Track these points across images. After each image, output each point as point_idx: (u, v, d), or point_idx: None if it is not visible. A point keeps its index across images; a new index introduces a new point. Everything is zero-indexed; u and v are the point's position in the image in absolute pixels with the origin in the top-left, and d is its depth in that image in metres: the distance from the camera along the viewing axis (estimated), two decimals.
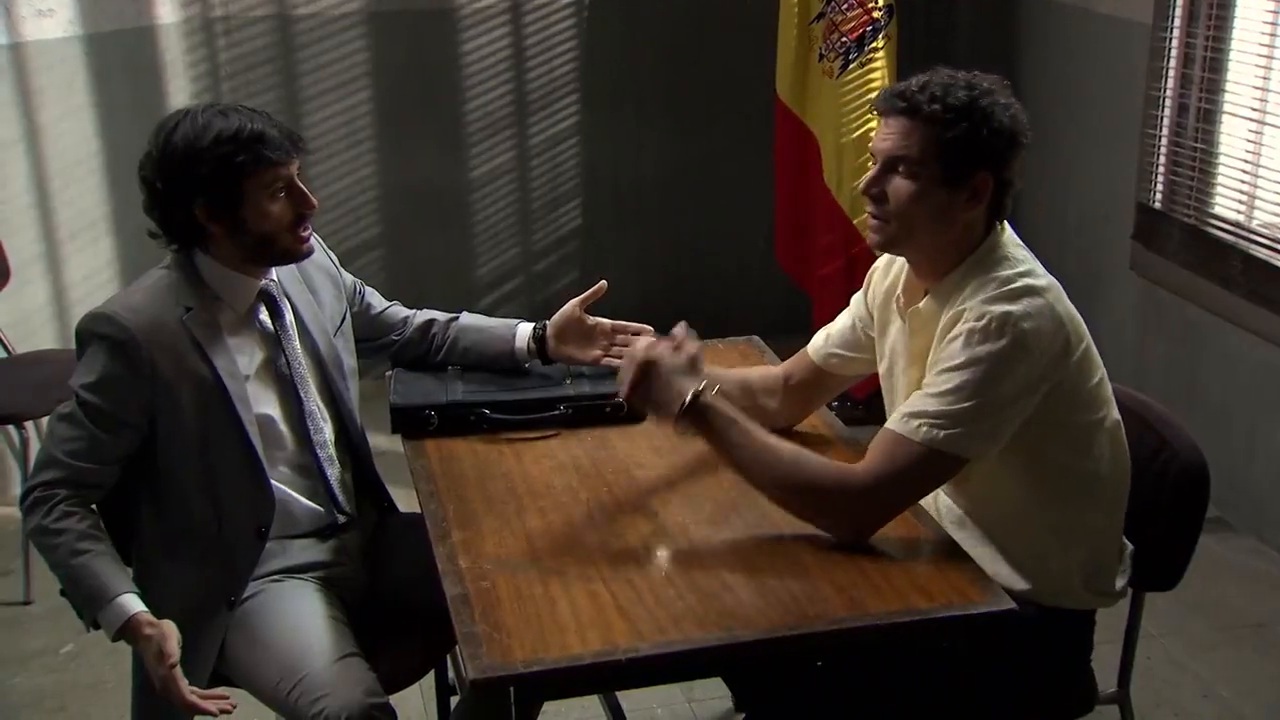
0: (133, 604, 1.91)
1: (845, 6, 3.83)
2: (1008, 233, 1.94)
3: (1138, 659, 2.19)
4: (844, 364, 2.17)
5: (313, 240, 2.11)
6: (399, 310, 2.40)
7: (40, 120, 3.74)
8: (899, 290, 2.02)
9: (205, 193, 1.97)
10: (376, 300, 2.38)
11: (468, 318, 2.39)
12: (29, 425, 3.38)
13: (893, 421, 1.85)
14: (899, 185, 1.87)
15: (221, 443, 2.01)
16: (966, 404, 1.79)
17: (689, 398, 1.86)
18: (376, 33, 4.39)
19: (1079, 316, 1.91)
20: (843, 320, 2.19)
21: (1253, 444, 3.42)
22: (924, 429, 1.80)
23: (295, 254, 2.07)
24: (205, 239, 2.03)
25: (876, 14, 3.82)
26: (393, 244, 4.60)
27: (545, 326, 2.34)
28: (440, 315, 2.39)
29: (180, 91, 4.17)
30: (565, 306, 2.33)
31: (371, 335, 2.35)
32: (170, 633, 1.89)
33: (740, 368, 2.25)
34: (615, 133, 4.65)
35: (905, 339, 2.00)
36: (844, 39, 3.84)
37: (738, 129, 4.61)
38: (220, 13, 4.23)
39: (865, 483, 1.81)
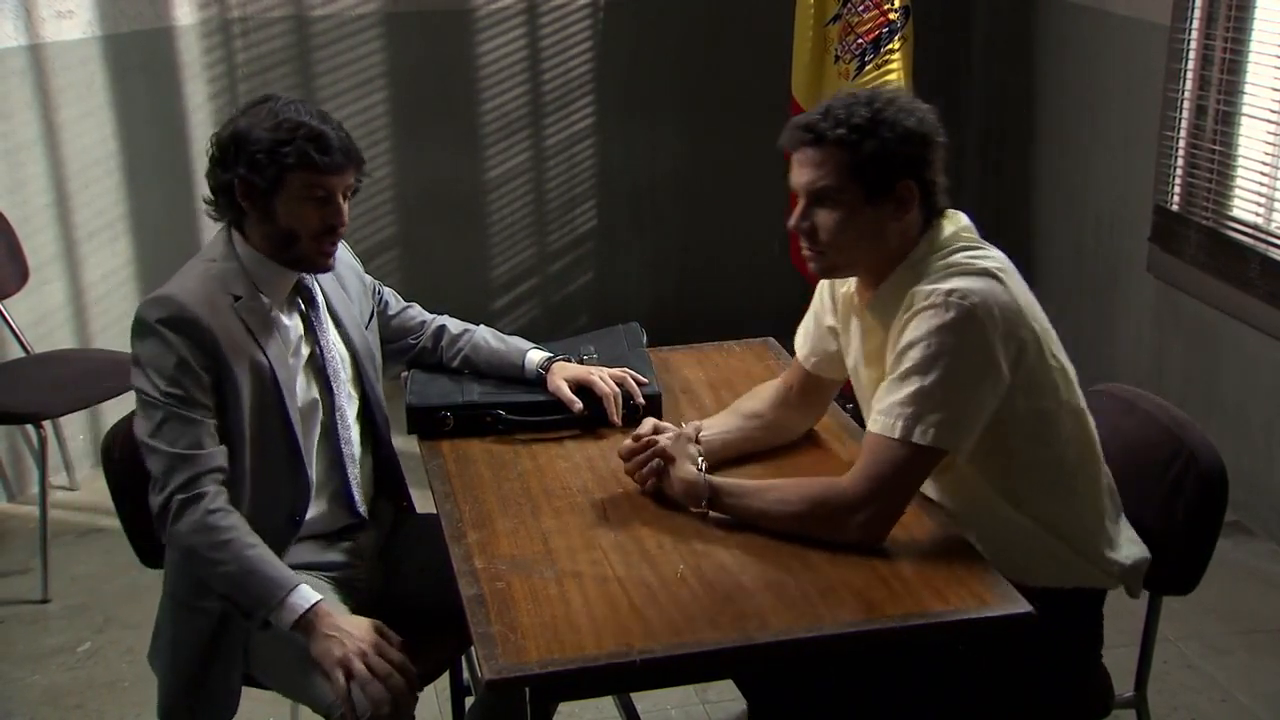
0: (312, 592, 1.91)
1: (861, 8, 3.82)
2: (954, 224, 1.95)
3: (1155, 663, 2.18)
4: (826, 363, 2.16)
5: (336, 258, 2.11)
6: (416, 313, 2.41)
7: (59, 120, 3.76)
8: (853, 291, 2.04)
9: (248, 169, 1.98)
10: (394, 301, 2.40)
11: (481, 336, 2.38)
12: (47, 425, 3.40)
13: (871, 423, 1.87)
14: (825, 216, 1.90)
15: (270, 429, 2.02)
16: (927, 381, 1.80)
17: (706, 496, 1.93)
18: (393, 34, 4.40)
19: (1032, 296, 1.92)
20: (809, 322, 2.19)
21: (1271, 447, 3.41)
22: (899, 423, 1.81)
23: (313, 264, 2.07)
24: (241, 218, 2.04)
25: (893, 15, 3.81)
26: (409, 244, 4.61)
27: (549, 364, 2.30)
28: (453, 326, 2.39)
29: (198, 93, 4.19)
30: (588, 378, 2.26)
31: (389, 338, 2.36)
32: (363, 624, 1.91)
33: (737, 401, 2.23)
34: (631, 134, 4.66)
35: (861, 339, 2.02)
36: (860, 41, 3.84)
37: (753, 131, 4.58)
38: (238, 14, 4.25)
39: (859, 491, 1.83)
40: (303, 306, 2.11)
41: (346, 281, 2.23)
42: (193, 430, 1.94)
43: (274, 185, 1.99)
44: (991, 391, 1.84)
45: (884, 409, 1.84)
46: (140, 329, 1.97)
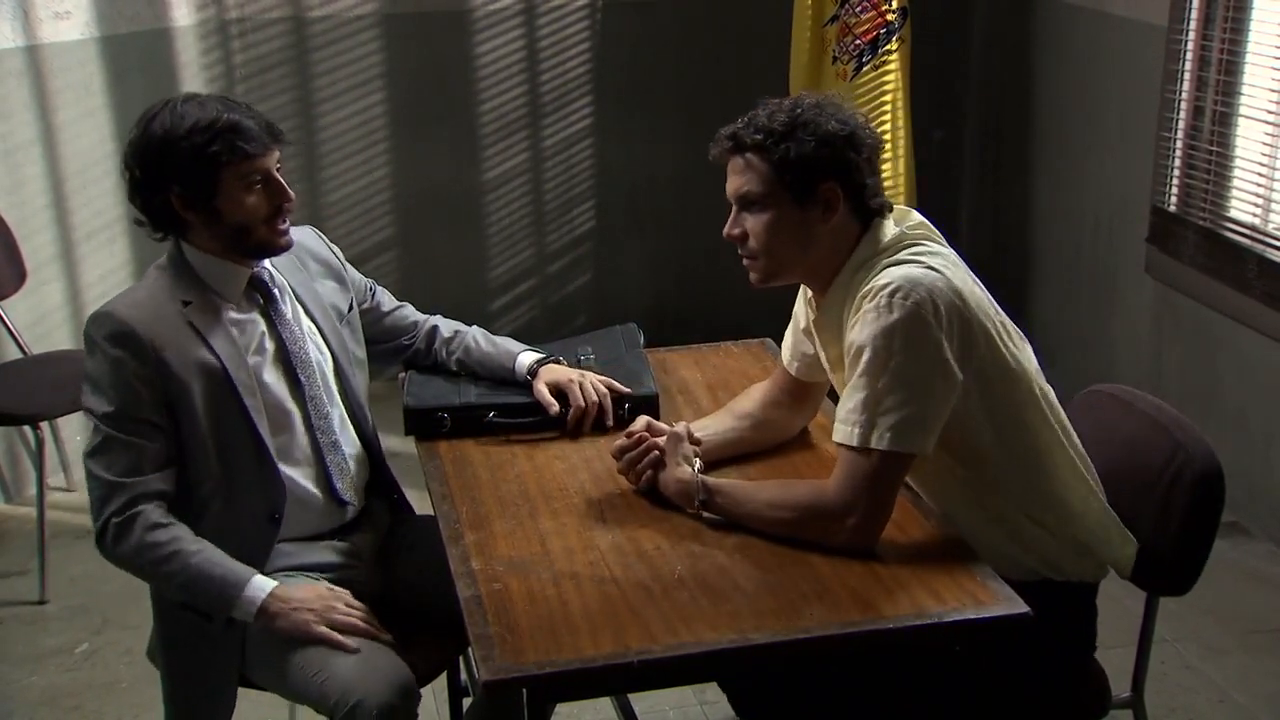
0: (266, 581, 1.97)
1: (859, 9, 3.83)
2: (901, 222, 1.95)
3: (1151, 664, 2.18)
4: (806, 368, 2.16)
5: (293, 234, 2.10)
6: (409, 314, 2.40)
7: (57, 121, 3.76)
8: (810, 300, 2.05)
9: (180, 182, 1.98)
10: (387, 301, 2.39)
11: (472, 338, 2.37)
12: (44, 425, 3.40)
13: (834, 431, 1.87)
14: (754, 222, 1.93)
15: (232, 430, 2.02)
16: (878, 385, 1.80)
17: (700, 496, 1.93)
18: (391, 35, 4.40)
19: (982, 289, 1.92)
20: (791, 327, 2.19)
21: (1269, 448, 3.41)
22: (855, 430, 1.82)
23: (272, 247, 2.06)
24: (185, 228, 2.03)
25: (890, 16, 3.82)
26: (407, 245, 4.61)
27: (538, 366, 2.29)
28: (445, 328, 2.39)
29: None
30: (569, 386, 2.25)
31: (382, 338, 2.36)
32: (316, 586, 2.01)
33: (731, 402, 2.24)
34: (629, 134, 4.66)
35: (823, 347, 2.03)
36: (857, 41, 3.84)
37: None
38: (235, 15, 4.25)
39: (840, 499, 1.84)
40: (261, 301, 2.10)
41: (316, 273, 2.22)
42: (129, 455, 1.95)
43: (211, 188, 1.98)
44: (943, 388, 1.83)
45: (842, 416, 1.85)
46: (88, 345, 1.99)
